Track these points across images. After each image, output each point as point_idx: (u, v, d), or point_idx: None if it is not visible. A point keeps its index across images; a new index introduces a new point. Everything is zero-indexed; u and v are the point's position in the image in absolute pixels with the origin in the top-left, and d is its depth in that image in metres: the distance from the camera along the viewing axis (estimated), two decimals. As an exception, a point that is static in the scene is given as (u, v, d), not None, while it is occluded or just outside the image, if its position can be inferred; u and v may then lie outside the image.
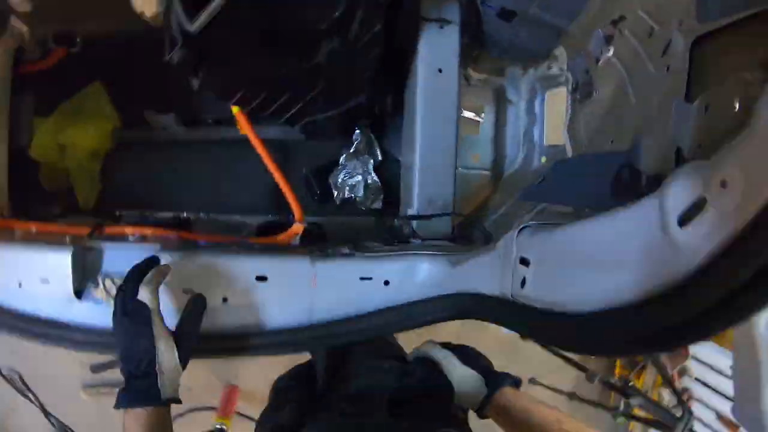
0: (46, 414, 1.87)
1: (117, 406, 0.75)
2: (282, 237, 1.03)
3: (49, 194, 1.41)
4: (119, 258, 0.88)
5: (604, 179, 0.88)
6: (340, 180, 1.43)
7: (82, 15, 1.28)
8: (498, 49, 1.35)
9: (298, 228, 1.04)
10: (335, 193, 1.44)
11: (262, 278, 0.91)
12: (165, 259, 0.87)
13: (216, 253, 0.93)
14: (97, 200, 1.43)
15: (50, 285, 0.88)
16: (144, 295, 0.78)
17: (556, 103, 1.35)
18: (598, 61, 1.02)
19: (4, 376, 1.91)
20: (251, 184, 1.40)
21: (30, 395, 1.92)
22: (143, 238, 1.01)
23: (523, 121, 1.51)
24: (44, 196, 1.39)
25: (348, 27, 0.94)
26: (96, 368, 2.36)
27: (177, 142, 1.45)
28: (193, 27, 0.78)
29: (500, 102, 1.56)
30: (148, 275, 0.80)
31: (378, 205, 1.43)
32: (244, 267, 0.91)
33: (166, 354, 0.77)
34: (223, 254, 0.93)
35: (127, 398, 0.75)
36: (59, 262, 0.87)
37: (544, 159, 1.43)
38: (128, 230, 1.00)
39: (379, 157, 1.42)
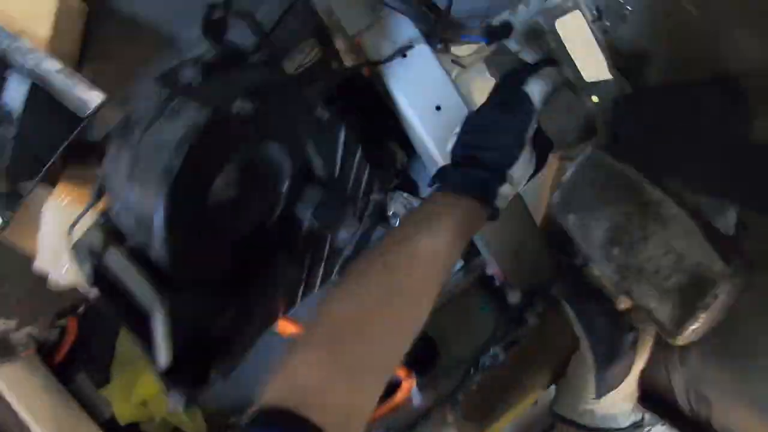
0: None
1: (439, 180, 0.63)
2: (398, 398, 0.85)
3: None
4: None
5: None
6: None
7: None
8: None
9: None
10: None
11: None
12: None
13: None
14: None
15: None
16: (534, 89, 0.67)
17: (574, 32, 1.07)
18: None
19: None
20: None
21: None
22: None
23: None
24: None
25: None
26: None
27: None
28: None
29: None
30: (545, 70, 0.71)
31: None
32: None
33: (522, 167, 0.64)
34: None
35: (456, 180, 0.61)
36: None
37: (594, 98, 1.14)
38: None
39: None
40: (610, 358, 0.60)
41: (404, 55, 0.91)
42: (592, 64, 1.07)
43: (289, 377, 0.45)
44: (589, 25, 0.94)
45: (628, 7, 0.83)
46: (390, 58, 0.90)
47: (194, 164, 0.56)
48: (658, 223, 0.53)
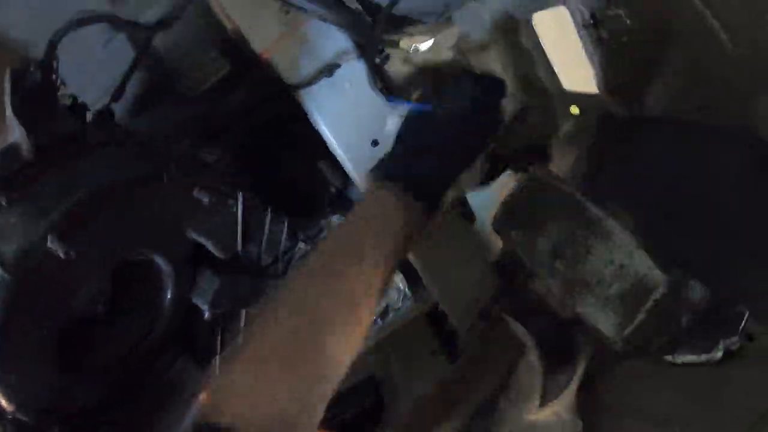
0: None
1: (387, 176, 0.58)
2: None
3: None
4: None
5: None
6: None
7: None
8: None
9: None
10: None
11: None
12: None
13: None
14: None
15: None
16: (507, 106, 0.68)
17: (555, 31, 0.82)
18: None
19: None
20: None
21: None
22: None
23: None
24: None
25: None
26: None
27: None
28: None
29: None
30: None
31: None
32: None
33: (470, 175, 0.65)
34: None
35: (409, 181, 0.57)
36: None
37: (575, 109, 0.91)
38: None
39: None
40: (559, 362, 0.62)
41: (330, 75, 0.71)
42: (576, 73, 0.84)
43: (222, 389, 0.44)
44: (578, 29, 0.71)
45: (627, 21, 0.61)
46: (311, 81, 0.70)
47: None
48: (600, 238, 0.56)
